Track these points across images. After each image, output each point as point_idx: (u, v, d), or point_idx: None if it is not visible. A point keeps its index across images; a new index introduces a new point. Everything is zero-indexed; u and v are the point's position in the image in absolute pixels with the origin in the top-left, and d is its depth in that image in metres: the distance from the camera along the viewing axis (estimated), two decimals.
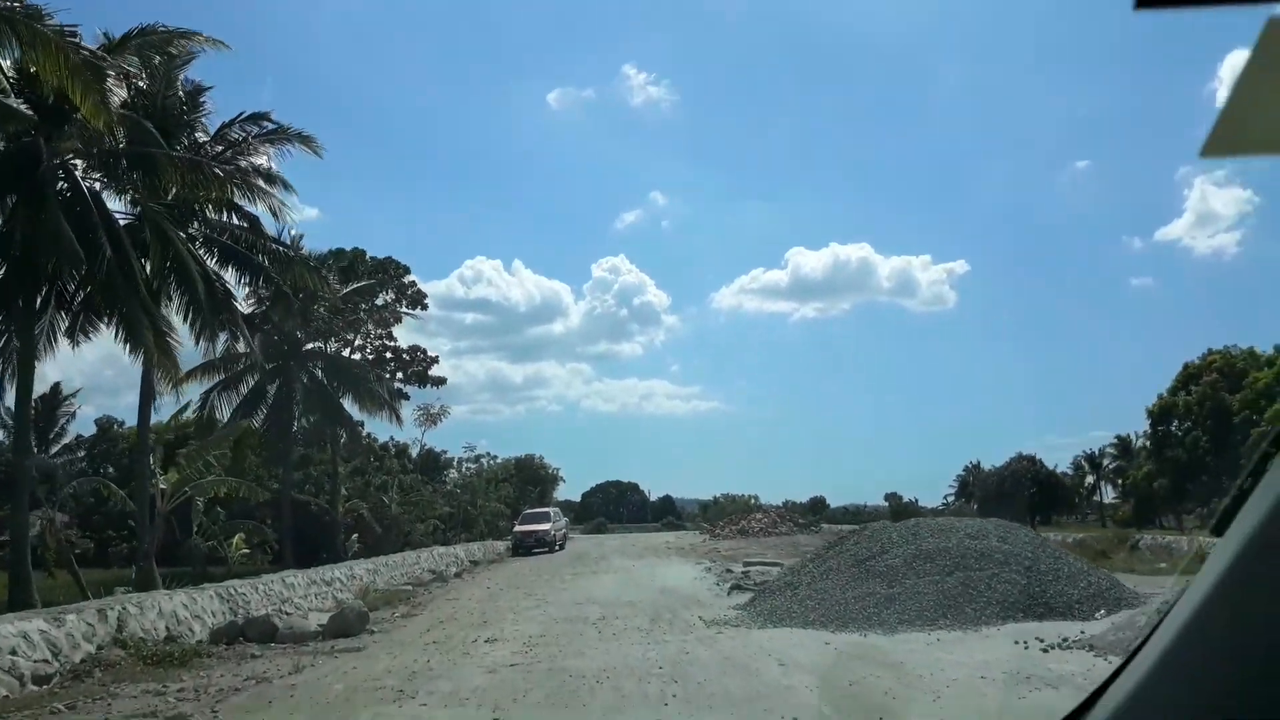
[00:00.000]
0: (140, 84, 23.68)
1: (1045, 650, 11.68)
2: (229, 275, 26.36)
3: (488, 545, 41.83)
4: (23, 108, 20.67)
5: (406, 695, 10.29)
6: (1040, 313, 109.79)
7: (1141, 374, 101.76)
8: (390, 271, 46.30)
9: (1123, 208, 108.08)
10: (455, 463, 58.75)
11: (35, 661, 11.56)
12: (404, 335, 48.85)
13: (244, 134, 26.28)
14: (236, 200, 25.53)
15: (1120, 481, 62.60)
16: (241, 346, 30.26)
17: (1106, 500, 69.10)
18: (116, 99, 20.94)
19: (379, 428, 51.70)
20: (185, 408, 34.25)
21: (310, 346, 41.01)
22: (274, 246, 27.56)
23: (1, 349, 22.42)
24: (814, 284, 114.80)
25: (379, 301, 45.90)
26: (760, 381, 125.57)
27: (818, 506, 71.74)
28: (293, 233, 28.34)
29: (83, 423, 50.93)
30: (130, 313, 21.37)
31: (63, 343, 23.66)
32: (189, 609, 15.65)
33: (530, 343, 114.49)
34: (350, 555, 36.10)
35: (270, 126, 26.55)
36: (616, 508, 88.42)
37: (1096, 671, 9.24)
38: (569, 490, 78.96)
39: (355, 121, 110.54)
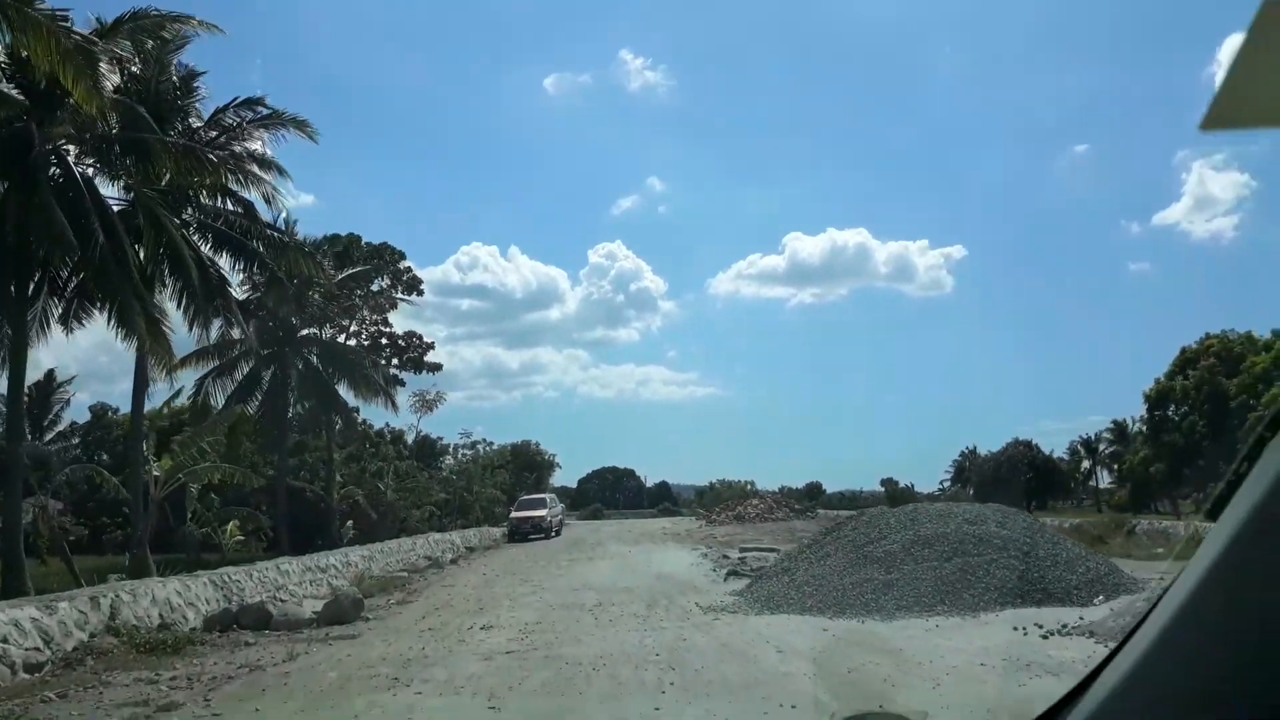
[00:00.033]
0: (133, 69, 23.50)
1: (1045, 637, 11.65)
2: (223, 261, 26.20)
3: (484, 532, 41.81)
4: (14, 93, 20.49)
5: (401, 683, 10.23)
6: (1037, 297, 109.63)
7: (1138, 359, 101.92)
8: (386, 257, 46.13)
9: (1120, 192, 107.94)
10: (451, 449, 58.73)
11: (27, 650, 11.47)
12: (400, 321, 48.86)
13: (238, 119, 26.05)
14: (231, 186, 25.35)
15: (1116, 467, 62.68)
16: (236, 333, 30.10)
17: (1102, 485, 69.26)
18: (109, 84, 20.76)
19: (374, 414, 51.70)
20: (178, 394, 34.08)
21: (305, 332, 40.88)
22: (269, 232, 27.37)
23: None
24: (811, 269, 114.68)
25: (374, 287, 45.81)
26: (757, 367, 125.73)
27: (814, 492, 71.75)
28: (284, 215, 28.06)
29: (77, 409, 50.98)
30: (123, 299, 21.21)
31: (56, 329, 23.57)
32: (182, 596, 15.57)
33: (527, 329, 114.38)
34: (345, 542, 36.03)
35: (264, 111, 26.35)
36: (613, 494, 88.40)
37: (1097, 658, 9.17)
38: (565, 476, 79.11)
39: (350, 108, 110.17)
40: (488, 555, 33.17)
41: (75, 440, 51.18)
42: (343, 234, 43.80)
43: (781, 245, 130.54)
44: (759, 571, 20.02)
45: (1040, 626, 12.13)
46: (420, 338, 49.67)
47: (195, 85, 25.86)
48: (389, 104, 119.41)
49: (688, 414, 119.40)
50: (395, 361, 47.80)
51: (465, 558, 31.71)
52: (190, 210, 25.62)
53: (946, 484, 75.76)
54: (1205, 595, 1.23)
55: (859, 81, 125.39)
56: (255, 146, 26.48)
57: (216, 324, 26.44)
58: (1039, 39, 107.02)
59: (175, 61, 25.16)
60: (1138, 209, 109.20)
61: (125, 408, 38.27)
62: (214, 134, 25.72)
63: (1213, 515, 1.34)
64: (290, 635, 14.55)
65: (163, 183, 23.02)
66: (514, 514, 42.93)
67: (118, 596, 13.96)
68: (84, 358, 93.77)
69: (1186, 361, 47.91)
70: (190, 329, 24.66)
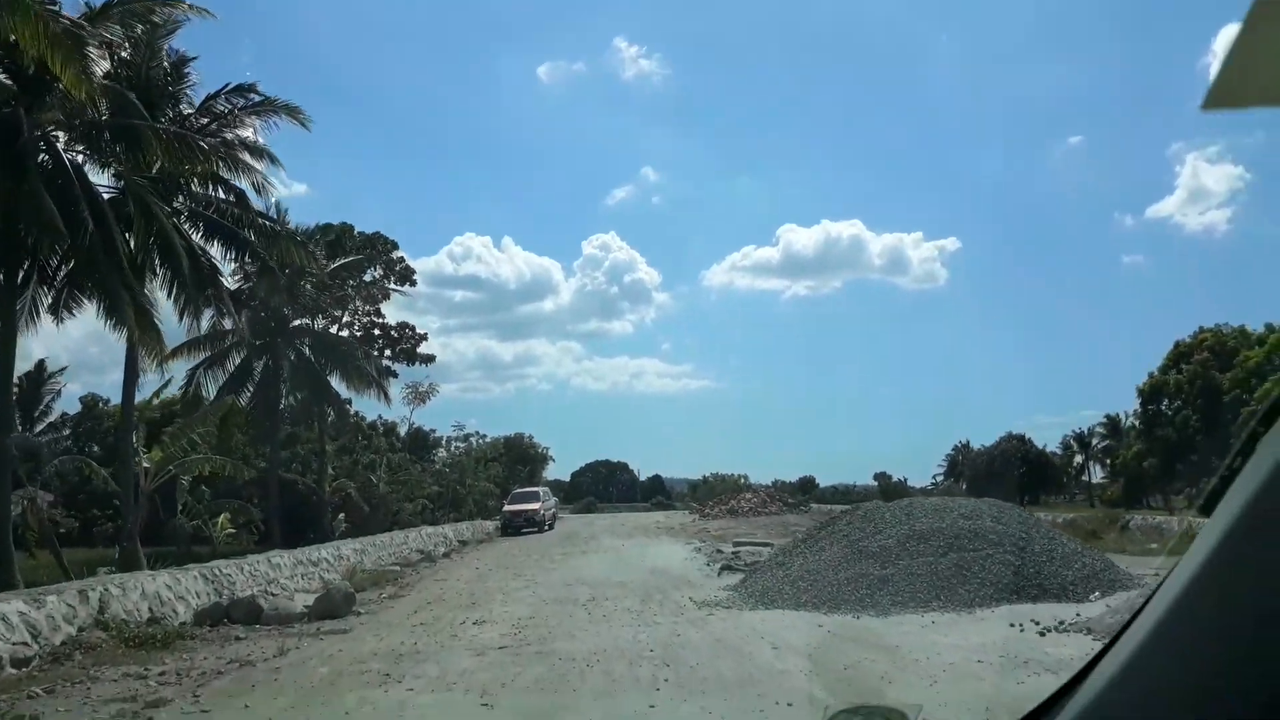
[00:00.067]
0: (123, 54, 23.21)
1: (1042, 634, 11.57)
2: (215, 250, 25.98)
3: (476, 525, 41.66)
4: (2, 78, 20.25)
5: (393, 679, 10.10)
6: (1031, 290, 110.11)
7: (1132, 352, 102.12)
8: (378, 247, 45.92)
9: (1114, 184, 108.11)
10: (444, 442, 58.70)
11: (14, 644, 11.29)
12: (392, 312, 48.68)
13: (230, 106, 25.82)
14: (222, 174, 25.12)
15: (1110, 461, 62.71)
16: (228, 323, 29.89)
17: (1095, 480, 69.34)
18: (99, 69, 20.48)
19: (367, 406, 51.63)
20: (167, 384, 33.79)
21: (297, 323, 40.65)
22: (261, 221, 27.14)
23: None
24: (805, 261, 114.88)
25: (367, 277, 45.56)
26: (751, 360, 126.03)
27: (807, 486, 71.77)
28: (275, 201, 27.78)
29: (69, 400, 50.46)
30: (112, 288, 21.00)
31: (46, 319, 23.35)
32: (172, 590, 15.39)
33: (520, 320, 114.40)
34: (337, 535, 35.95)
35: (256, 98, 26.11)
36: (606, 487, 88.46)
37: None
38: (558, 470, 79.16)
39: (343, 97, 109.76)
40: (480, 549, 33.04)
41: (66, 431, 50.83)
42: (335, 223, 43.66)
43: (776, 237, 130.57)
44: (753, 566, 19.95)
45: (1037, 623, 12.05)
46: (413, 329, 49.57)
47: (186, 71, 25.63)
48: (381, 93, 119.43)
49: (681, 407, 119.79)
50: (388, 353, 47.68)
51: (458, 551, 31.58)
52: (181, 198, 25.38)
53: (939, 478, 75.98)
54: (1199, 590, 1.23)
55: (854, 73, 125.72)
56: (247, 134, 26.31)
57: (208, 314, 26.30)
58: (1034, 31, 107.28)
59: (166, 47, 24.92)
60: (1131, 201, 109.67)
61: (117, 399, 38.08)
62: (205, 121, 25.47)
63: (1206, 510, 1.34)
64: (281, 630, 14.42)
65: (153, 170, 22.82)
66: (507, 507, 42.82)
67: (107, 590, 13.78)
68: (75, 348, 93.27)
69: (1180, 355, 47.87)
70: (180, 319, 24.53)
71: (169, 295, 23.64)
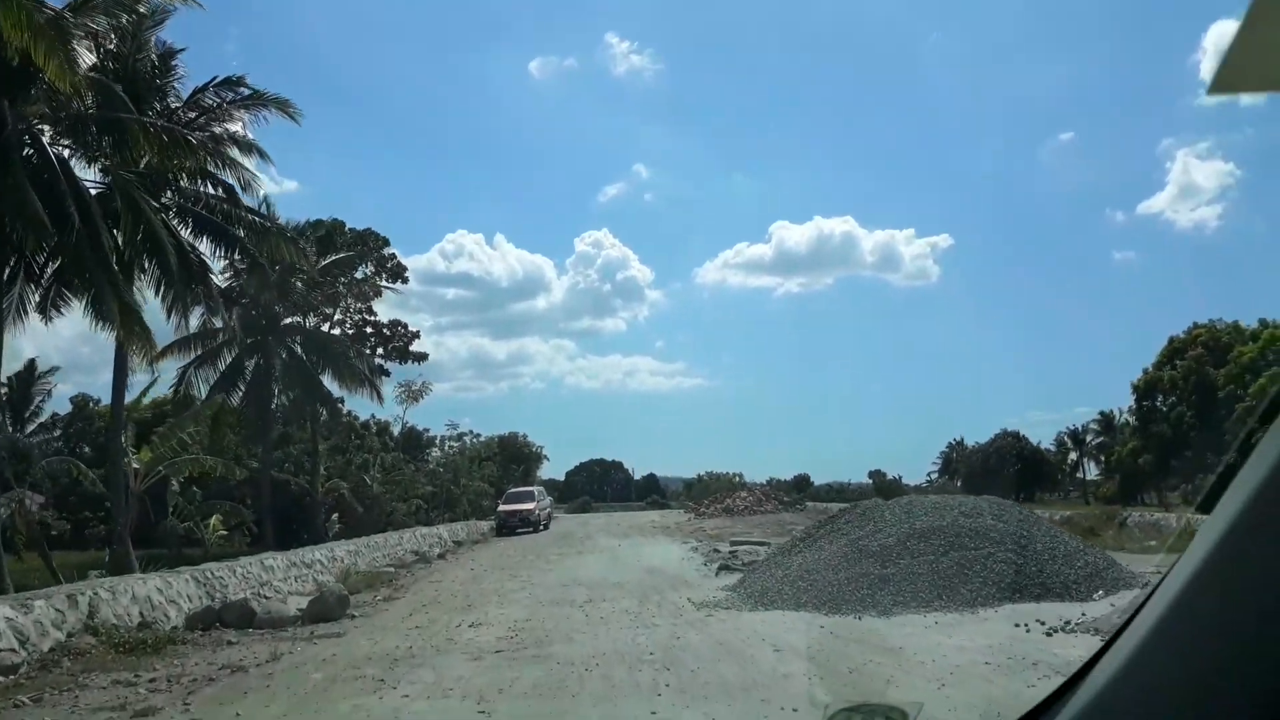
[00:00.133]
0: (109, 46, 22.85)
1: (1048, 634, 11.37)
2: (204, 246, 25.53)
3: (471, 525, 41.46)
4: None
5: (388, 685, 9.87)
6: (1023, 286, 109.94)
7: (1125, 349, 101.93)
8: (370, 243, 45.56)
9: (1105, 181, 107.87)
10: (438, 441, 58.42)
11: (1, 651, 11.04)
12: (384, 310, 48.36)
13: (218, 99, 25.45)
14: (211, 169, 24.77)
15: (1104, 458, 62.69)
16: (218, 321, 29.58)
17: (1089, 477, 69.30)
18: (84, 61, 20.16)
19: (360, 405, 51.33)
20: (153, 383, 33.42)
21: (289, 321, 40.29)
22: (251, 217, 26.74)
23: None
24: (798, 258, 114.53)
25: (358, 275, 45.17)
26: (744, 357, 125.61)
27: (802, 484, 71.50)
28: (263, 195, 27.35)
29: (60, 401, 50.04)
30: (99, 286, 20.68)
31: (34, 318, 23.02)
32: (164, 594, 15.13)
33: (513, 318, 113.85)
34: (331, 536, 35.70)
35: (246, 92, 25.73)
36: (601, 486, 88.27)
37: None
38: (553, 469, 78.86)
39: (333, 92, 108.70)
40: (475, 549, 32.83)
41: (57, 432, 50.39)
42: (326, 219, 43.27)
43: (768, 234, 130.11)
44: (750, 566, 19.75)
45: (1042, 623, 11.85)
46: (405, 326, 49.23)
47: (174, 63, 25.21)
48: (371, 89, 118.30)
49: (675, 405, 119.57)
50: (380, 351, 47.32)
51: (453, 552, 31.37)
52: (170, 194, 25.02)
53: (934, 475, 75.93)
54: (1199, 588, 1.24)
55: (845, 70, 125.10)
56: (236, 128, 25.97)
57: (197, 311, 25.96)
58: (1025, 27, 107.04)
59: (153, 38, 24.52)
60: (1122, 198, 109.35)
61: (108, 399, 37.73)
62: (193, 114, 25.10)
63: (1204, 507, 1.37)
64: (274, 634, 14.18)
65: (141, 165, 22.47)
66: (502, 507, 42.63)
67: (96, 594, 13.52)
68: (67, 348, 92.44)
69: (1174, 351, 47.84)
70: (168, 316, 24.18)
71: (157, 292, 23.36)
